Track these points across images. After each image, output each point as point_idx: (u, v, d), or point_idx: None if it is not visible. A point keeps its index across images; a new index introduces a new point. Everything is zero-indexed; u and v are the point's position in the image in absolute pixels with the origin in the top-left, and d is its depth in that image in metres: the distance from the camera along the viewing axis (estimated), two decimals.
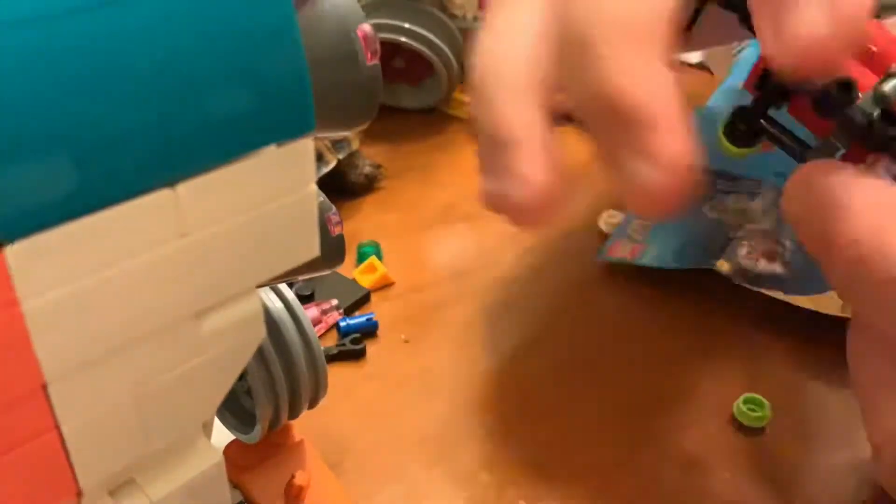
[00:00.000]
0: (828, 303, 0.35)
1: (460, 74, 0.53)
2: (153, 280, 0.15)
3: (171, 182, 0.15)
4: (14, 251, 0.14)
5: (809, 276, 0.36)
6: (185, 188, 0.15)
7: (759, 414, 0.32)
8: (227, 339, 0.18)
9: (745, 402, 0.32)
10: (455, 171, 0.49)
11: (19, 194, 0.13)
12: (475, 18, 0.53)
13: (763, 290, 0.36)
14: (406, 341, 0.37)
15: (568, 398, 0.34)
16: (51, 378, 0.15)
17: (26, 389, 0.15)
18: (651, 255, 0.39)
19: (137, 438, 0.17)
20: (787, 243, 0.38)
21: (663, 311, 0.38)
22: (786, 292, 0.36)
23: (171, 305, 0.16)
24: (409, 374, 0.35)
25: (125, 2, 0.13)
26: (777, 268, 0.37)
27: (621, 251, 0.40)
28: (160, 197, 0.15)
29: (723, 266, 0.37)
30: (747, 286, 0.37)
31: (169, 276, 0.16)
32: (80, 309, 0.15)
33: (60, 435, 0.16)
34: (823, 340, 0.34)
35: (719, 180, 0.43)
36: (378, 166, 0.48)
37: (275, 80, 0.15)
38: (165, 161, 0.14)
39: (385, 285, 0.40)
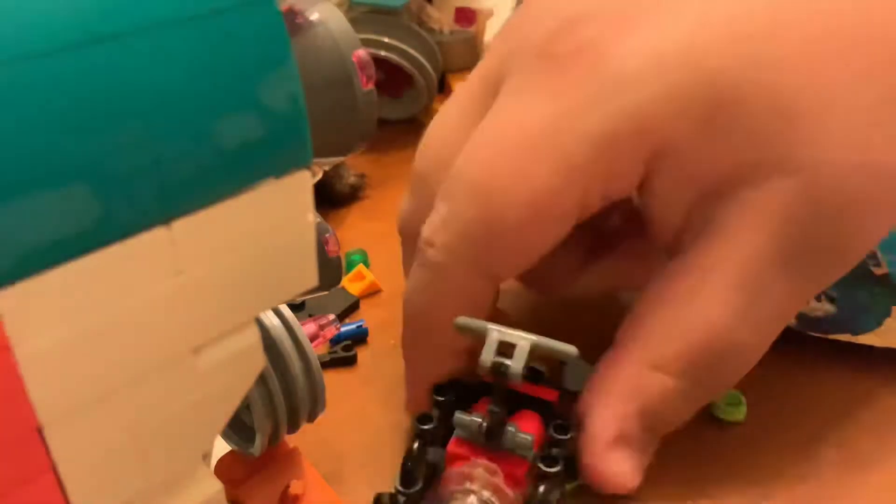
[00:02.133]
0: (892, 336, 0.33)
1: (438, 86, 0.51)
2: (148, 319, 0.14)
3: (166, 220, 0.13)
4: (6, 297, 0.12)
5: (862, 309, 0.34)
6: (180, 226, 0.14)
7: (736, 409, 0.31)
8: (226, 372, 0.16)
9: (722, 397, 0.31)
10: None
11: (10, 239, 0.12)
12: (451, 32, 0.52)
13: (833, 337, 0.33)
14: (395, 346, 0.36)
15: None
16: (46, 421, 0.14)
17: (21, 433, 0.14)
18: None
19: (136, 474, 0.16)
20: None
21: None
22: (853, 333, 0.33)
23: (167, 342, 0.15)
24: (401, 379, 0.34)
25: (120, 39, 0.12)
26: (828, 307, 0.34)
27: None
28: (155, 236, 0.13)
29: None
30: (815, 335, 0.33)
31: (165, 313, 0.14)
32: (75, 351, 0.14)
33: (57, 476, 0.15)
34: (799, 335, 0.33)
35: None
36: (363, 176, 0.47)
37: (272, 114, 0.14)
38: (161, 200, 0.13)
39: (373, 292, 0.39)
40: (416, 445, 0.25)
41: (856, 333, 0.33)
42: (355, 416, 0.32)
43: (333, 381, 0.33)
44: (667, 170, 0.26)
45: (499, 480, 0.24)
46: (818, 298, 0.34)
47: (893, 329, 0.33)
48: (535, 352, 0.25)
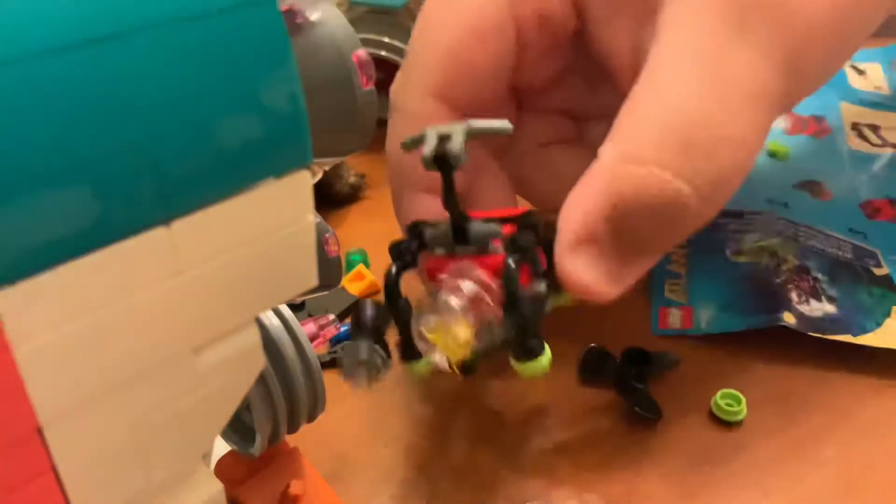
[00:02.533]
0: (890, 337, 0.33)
1: None
2: (148, 319, 0.14)
3: (165, 220, 0.13)
4: (6, 297, 0.12)
5: (862, 310, 0.34)
6: (180, 225, 0.14)
7: (736, 409, 0.31)
8: (226, 372, 0.16)
9: (723, 397, 0.31)
10: None
11: (10, 239, 0.12)
12: None
13: (833, 338, 0.33)
14: (395, 346, 0.36)
15: (555, 397, 0.33)
16: (46, 421, 0.14)
17: (21, 434, 0.14)
18: (708, 318, 0.35)
19: (136, 474, 0.16)
20: (820, 276, 0.36)
21: (642, 309, 0.37)
22: (853, 334, 0.33)
23: (167, 342, 0.15)
24: (400, 380, 0.34)
25: (120, 39, 0.12)
26: (828, 307, 0.34)
27: (673, 321, 0.36)
28: (154, 236, 0.13)
29: (789, 319, 0.33)
30: (817, 336, 0.33)
31: (164, 313, 0.14)
32: (75, 351, 0.13)
33: (57, 476, 0.15)
34: (799, 335, 0.33)
35: (730, 222, 0.39)
36: (362, 176, 0.47)
37: (272, 114, 0.14)
38: (161, 200, 0.13)
39: (373, 292, 0.39)
40: (394, 269, 0.26)
41: (855, 334, 0.33)
42: (355, 416, 0.32)
43: (333, 380, 0.33)
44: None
45: (480, 273, 0.24)
46: (818, 299, 0.34)
47: (893, 329, 0.33)
48: (470, 133, 0.24)
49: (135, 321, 0.14)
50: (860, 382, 0.32)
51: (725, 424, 0.31)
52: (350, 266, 0.39)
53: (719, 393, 0.31)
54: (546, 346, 0.26)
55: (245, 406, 0.25)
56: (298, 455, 0.28)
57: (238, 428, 0.26)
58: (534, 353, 0.25)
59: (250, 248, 0.15)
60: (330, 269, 0.21)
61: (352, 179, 0.46)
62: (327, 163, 0.37)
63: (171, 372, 0.15)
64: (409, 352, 0.27)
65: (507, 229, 0.26)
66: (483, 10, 0.29)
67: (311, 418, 0.26)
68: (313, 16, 0.18)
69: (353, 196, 0.46)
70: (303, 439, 0.28)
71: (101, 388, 0.14)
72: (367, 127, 0.19)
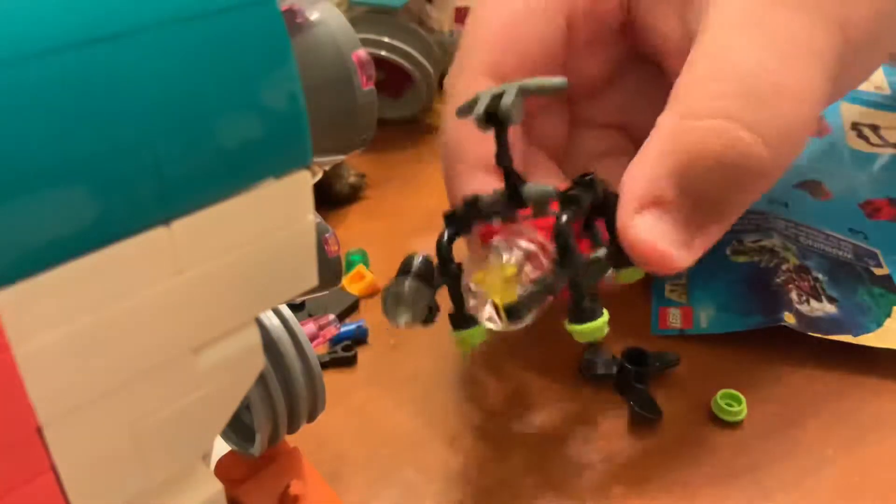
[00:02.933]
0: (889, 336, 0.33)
1: (438, 85, 0.51)
2: (148, 319, 0.14)
3: (165, 220, 0.13)
4: (6, 296, 0.12)
5: (862, 310, 0.33)
6: (180, 225, 0.14)
7: (736, 409, 0.31)
8: (226, 372, 0.16)
9: (723, 397, 0.31)
10: (437, 179, 0.47)
11: (10, 239, 0.12)
12: (451, 33, 0.52)
13: (833, 338, 0.33)
14: (395, 346, 0.36)
15: (556, 395, 0.33)
16: (46, 421, 0.14)
17: (20, 434, 0.14)
18: (708, 318, 0.35)
19: (136, 474, 0.16)
20: (820, 276, 0.35)
21: (642, 309, 0.37)
22: (853, 334, 0.33)
23: (167, 342, 0.15)
24: (400, 379, 0.34)
25: (120, 39, 0.12)
26: (828, 307, 0.34)
27: (673, 321, 0.36)
28: (154, 235, 0.13)
29: (790, 319, 0.33)
30: (818, 336, 0.33)
31: (164, 313, 0.14)
32: (75, 351, 0.13)
33: (57, 476, 0.15)
34: (798, 335, 0.33)
35: None
36: (362, 176, 0.47)
37: (272, 114, 0.14)
38: (161, 200, 0.13)
39: (373, 292, 0.39)
40: (445, 235, 0.25)
41: (856, 334, 0.33)
42: (355, 416, 0.32)
43: (333, 380, 0.33)
44: None
45: (535, 233, 0.24)
46: (818, 299, 0.34)
47: (893, 330, 0.33)
48: (524, 90, 0.23)
49: (135, 321, 0.14)
50: (860, 382, 0.32)
51: (725, 424, 0.31)
52: (350, 266, 0.39)
53: (719, 393, 0.31)
54: (605, 310, 0.24)
55: (245, 406, 0.25)
56: (298, 455, 0.28)
57: (238, 428, 0.26)
58: (587, 316, 0.24)
59: (250, 248, 0.15)
60: (330, 269, 0.20)
61: (352, 179, 0.46)
62: (327, 163, 0.37)
63: (171, 372, 0.15)
64: (460, 320, 0.26)
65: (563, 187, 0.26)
66: None
67: (311, 418, 0.26)
68: (313, 16, 0.18)
69: (353, 196, 0.46)
70: (303, 439, 0.28)
71: (100, 388, 0.14)
72: (367, 127, 0.19)
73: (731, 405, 0.31)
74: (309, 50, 0.17)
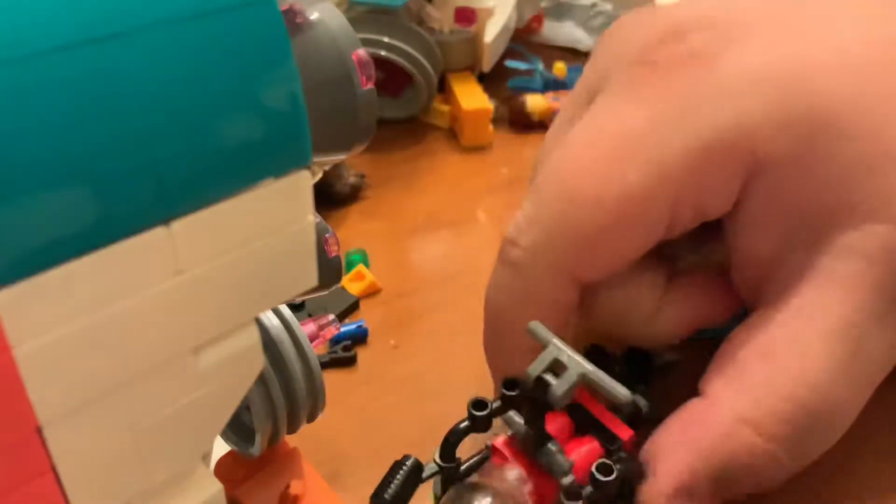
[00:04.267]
0: None
1: (438, 85, 0.51)
2: (148, 319, 0.14)
3: (165, 220, 0.13)
4: (6, 296, 0.12)
5: None
6: (180, 225, 0.14)
7: None
8: (226, 372, 0.16)
9: None
10: (437, 179, 0.48)
11: (10, 239, 0.12)
12: (451, 32, 0.52)
13: None
14: (395, 346, 0.36)
15: None
16: (45, 421, 0.14)
17: (20, 434, 0.14)
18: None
19: (136, 474, 0.16)
20: None
21: None
22: None
23: (167, 343, 0.15)
24: (400, 379, 0.34)
25: (120, 39, 0.12)
26: None
27: None
28: (154, 235, 0.13)
29: None
30: None
31: (164, 313, 0.14)
32: (75, 351, 0.13)
33: (57, 476, 0.15)
34: None
35: None
36: (362, 176, 0.47)
37: (272, 114, 0.14)
38: (161, 200, 0.13)
39: (373, 292, 0.39)
40: (462, 425, 0.24)
41: None
42: (355, 416, 0.32)
43: (333, 381, 0.33)
44: (761, 191, 0.25)
45: (525, 491, 0.23)
46: None
47: None
48: (583, 381, 0.23)
49: (135, 321, 0.14)
50: None
51: None
52: (350, 266, 0.39)
53: None
54: None
55: (245, 406, 0.25)
56: (298, 455, 0.28)
57: (238, 428, 0.26)
58: None
59: (250, 248, 0.15)
60: (330, 269, 0.20)
61: (352, 179, 0.46)
62: (327, 163, 0.37)
63: (171, 372, 0.15)
64: None
65: (587, 448, 0.25)
66: (643, 193, 0.25)
67: (311, 418, 0.26)
68: (313, 16, 0.18)
69: (353, 196, 0.46)
70: (303, 439, 0.28)
71: (100, 388, 0.14)
72: (367, 127, 0.19)
73: None
74: (309, 50, 0.17)
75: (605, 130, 0.26)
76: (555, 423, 0.25)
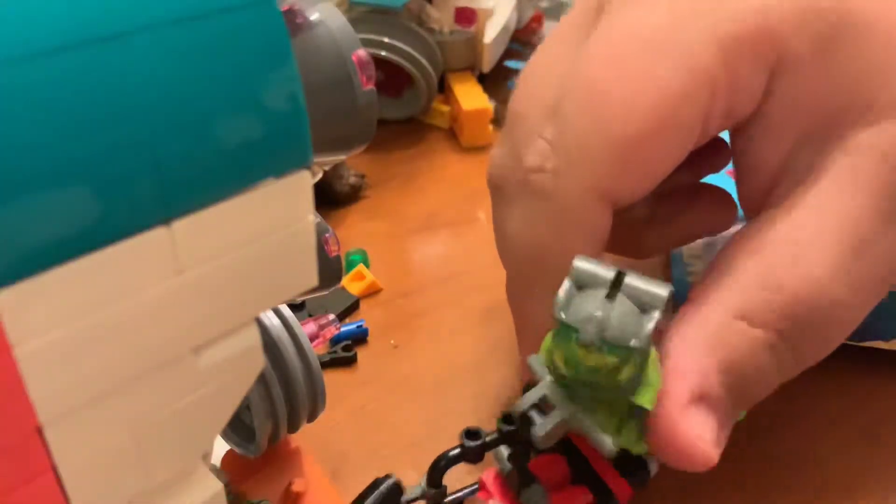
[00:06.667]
0: None
1: (438, 86, 0.51)
2: (149, 319, 0.14)
3: (166, 220, 0.13)
4: (6, 297, 0.12)
5: (890, 315, 0.32)
6: (180, 225, 0.14)
7: None
8: (226, 372, 0.16)
9: None
10: (437, 179, 0.48)
11: (10, 239, 0.12)
12: (451, 32, 0.52)
13: (865, 344, 0.32)
14: (395, 346, 0.36)
15: None
16: (46, 421, 0.14)
17: (21, 433, 0.14)
18: None
19: (136, 474, 0.16)
20: None
21: None
22: (884, 338, 0.32)
23: (168, 342, 0.15)
24: (400, 379, 0.34)
25: (120, 39, 0.12)
26: None
27: None
28: (155, 235, 0.13)
29: None
30: (848, 342, 0.31)
31: (165, 313, 0.14)
32: (75, 351, 0.13)
33: (57, 476, 0.15)
34: None
35: None
36: (362, 176, 0.47)
37: (272, 114, 0.14)
38: (161, 200, 0.13)
39: (373, 292, 0.39)
40: (453, 452, 0.24)
41: (887, 339, 0.32)
42: (355, 416, 0.32)
43: (333, 380, 0.33)
44: (782, 90, 0.24)
45: None
46: None
47: None
48: (566, 425, 0.22)
49: (135, 321, 0.14)
50: (860, 382, 0.32)
51: None
52: (350, 266, 0.39)
53: None
54: None
55: (245, 406, 0.25)
56: (300, 455, 0.28)
57: (238, 428, 0.26)
58: None
59: (250, 248, 0.15)
60: (330, 269, 0.20)
61: (352, 179, 0.46)
62: (327, 163, 0.37)
63: (171, 372, 0.15)
64: None
65: (575, 500, 0.24)
66: (678, 91, 0.23)
67: (311, 418, 0.26)
68: (313, 16, 0.18)
69: (353, 196, 0.46)
70: (303, 439, 0.28)
71: (101, 388, 0.14)
72: (367, 127, 0.19)
73: None
74: (309, 50, 0.17)
75: (626, 32, 0.24)
76: (549, 467, 0.24)
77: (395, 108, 0.52)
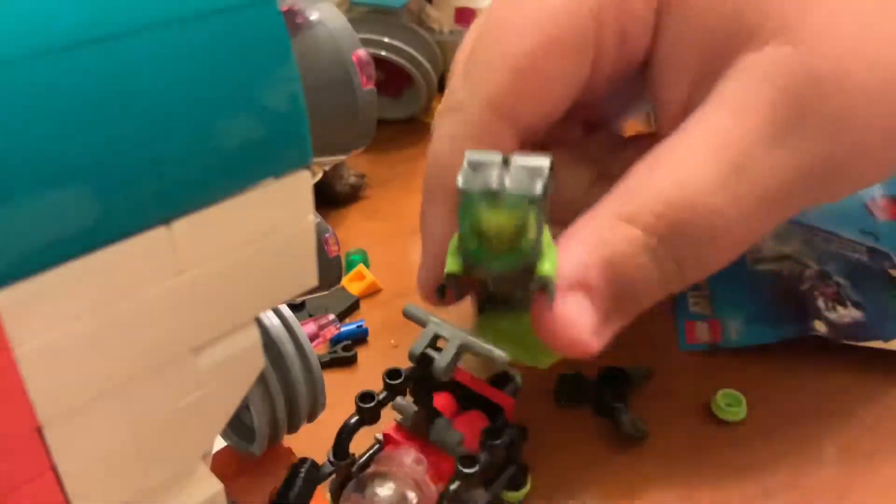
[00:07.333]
0: None
1: (438, 85, 0.51)
2: (149, 319, 0.14)
3: (166, 220, 0.13)
4: (6, 296, 0.12)
5: (889, 315, 0.33)
6: (180, 225, 0.14)
7: (736, 409, 0.31)
8: (226, 372, 0.16)
9: (723, 397, 0.31)
10: None
11: (10, 239, 0.12)
12: (451, 32, 0.52)
13: (864, 344, 0.32)
14: (395, 346, 0.36)
15: (551, 397, 0.33)
16: (46, 421, 0.14)
17: (21, 433, 0.14)
18: (738, 330, 0.35)
19: (136, 474, 0.16)
20: (841, 280, 0.35)
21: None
22: (884, 339, 0.32)
23: (167, 343, 0.15)
24: None
25: (120, 39, 0.12)
26: (855, 312, 0.33)
27: (700, 335, 0.35)
28: (155, 235, 0.13)
29: (820, 328, 0.33)
30: (848, 343, 0.32)
31: (165, 313, 0.14)
32: (75, 351, 0.13)
33: (57, 476, 0.15)
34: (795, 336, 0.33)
35: None
36: (362, 176, 0.47)
37: (272, 114, 0.14)
38: (161, 200, 0.13)
39: (373, 292, 0.39)
40: (352, 421, 0.25)
41: (887, 339, 0.33)
42: None
43: (333, 380, 0.33)
44: (673, 24, 0.26)
45: (422, 471, 0.24)
46: (844, 304, 0.34)
47: None
48: (464, 350, 0.24)
49: (135, 321, 0.14)
50: (860, 382, 0.32)
51: (725, 424, 0.31)
52: (350, 266, 0.39)
53: (719, 393, 0.31)
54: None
55: (245, 406, 0.25)
56: (291, 454, 0.28)
57: (238, 428, 0.26)
58: None
59: (250, 247, 0.15)
60: (330, 269, 0.20)
61: (352, 179, 0.46)
62: (327, 163, 0.37)
63: (171, 372, 0.15)
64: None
65: (473, 419, 0.26)
66: (564, 16, 0.26)
67: (311, 418, 0.26)
68: (313, 16, 0.18)
69: (353, 196, 0.46)
70: (303, 439, 0.28)
71: (100, 387, 0.14)
72: (367, 127, 0.19)
73: (730, 405, 0.31)
74: (309, 50, 0.17)
75: None
76: (440, 402, 0.26)
77: (395, 108, 0.52)
